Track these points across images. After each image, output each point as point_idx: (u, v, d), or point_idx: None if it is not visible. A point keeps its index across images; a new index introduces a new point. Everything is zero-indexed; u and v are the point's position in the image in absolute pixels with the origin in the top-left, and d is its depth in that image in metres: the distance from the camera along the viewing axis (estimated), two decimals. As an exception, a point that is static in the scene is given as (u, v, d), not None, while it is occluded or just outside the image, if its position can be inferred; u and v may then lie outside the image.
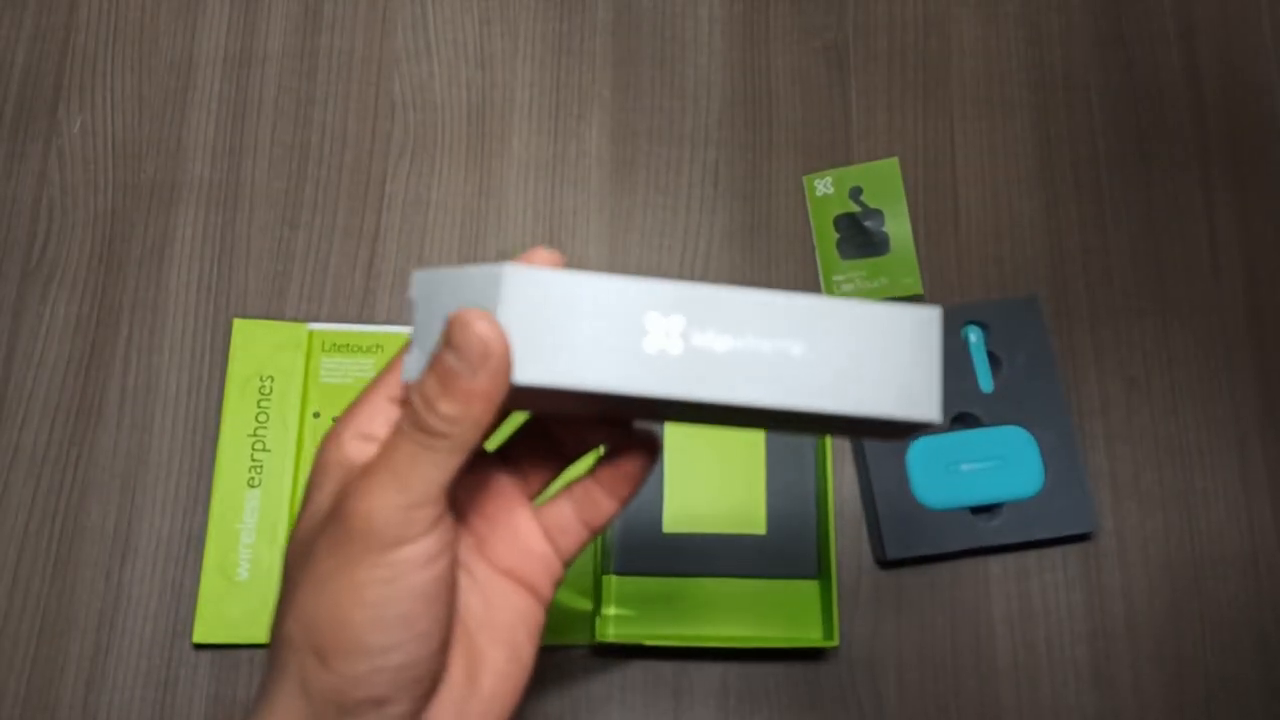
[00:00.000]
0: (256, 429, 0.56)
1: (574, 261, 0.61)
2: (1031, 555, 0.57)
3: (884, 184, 0.62)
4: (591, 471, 0.34)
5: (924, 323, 0.28)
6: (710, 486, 0.56)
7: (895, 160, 0.62)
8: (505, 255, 0.60)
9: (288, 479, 0.55)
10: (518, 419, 0.34)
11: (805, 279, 0.61)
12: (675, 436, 0.56)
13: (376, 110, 0.62)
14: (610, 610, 0.54)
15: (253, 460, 0.55)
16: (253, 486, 0.55)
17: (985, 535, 0.55)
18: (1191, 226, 0.62)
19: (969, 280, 0.61)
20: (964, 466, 0.56)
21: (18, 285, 0.59)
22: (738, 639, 0.53)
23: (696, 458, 0.56)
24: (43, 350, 0.58)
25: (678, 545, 0.55)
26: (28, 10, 0.63)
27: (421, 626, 0.28)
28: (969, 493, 0.55)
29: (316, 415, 0.57)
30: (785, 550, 0.55)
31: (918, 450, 0.56)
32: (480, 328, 0.26)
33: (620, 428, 0.33)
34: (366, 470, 0.28)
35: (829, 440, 0.56)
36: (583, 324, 0.26)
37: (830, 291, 0.60)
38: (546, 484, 0.35)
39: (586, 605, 0.54)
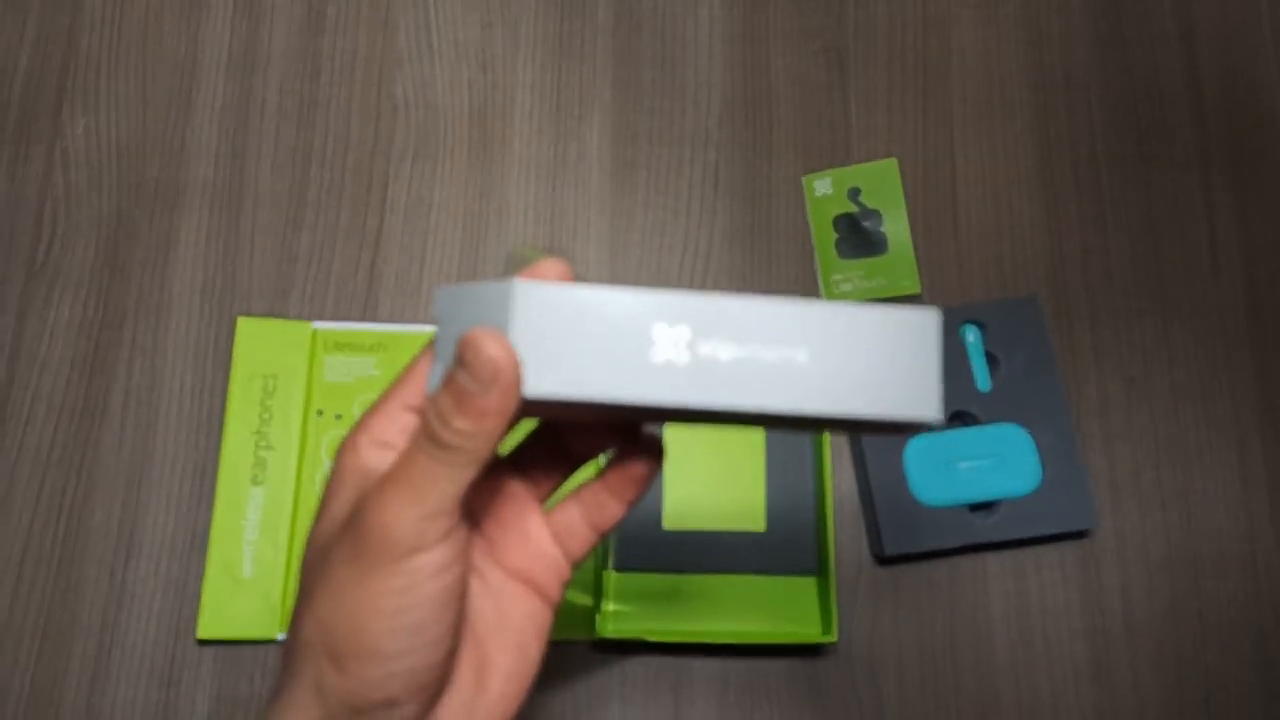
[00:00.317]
0: (260, 427, 0.56)
1: (575, 262, 0.61)
2: (1029, 553, 0.57)
3: (883, 184, 0.62)
4: (599, 476, 0.34)
5: (923, 324, 0.29)
6: (710, 483, 0.56)
7: (894, 161, 0.62)
8: (515, 258, 0.60)
9: (291, 476, 0.55)
10: (528, 425, 0.35)
11: (804, 279, 0.61)
12: (675, 435, 0.57)
13: (379, 112, 0.63)
14: (610, 606, 0.54)
15: (256, 458, 0.56)
16: (256, 484, 0.55)
17: (983, 532, 0.55)
18: (1191, 227, 0.62)
19: (968, 280, 0.61)
20: (962, 464, 0.56)
21: (23, 286, 0.59)
22: (737, 635, 0.53)
23: (696, 455, 0.56)
24: (47, 351, 0.58)
25: (677, 541, 0.55)
26: (31, 13, 0.63)
27: (434, 633, 0.29)
28: (967, 490, 0.55)
29: (320, 413, 0.57)
30: (784, 546, 0.55)
31: (916, 448, 0.56)
32: (490, 349, 0.26)
33: (627, 433, 0.34)
34: (383, 482, 0.29)
35: (828, 438, 0.56)
36: (591, 336, 0.27)
37: (829, 291, 0.60)
38: (555, 488, 0.35)
39: (587, 601, 0.54)
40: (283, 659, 0.30)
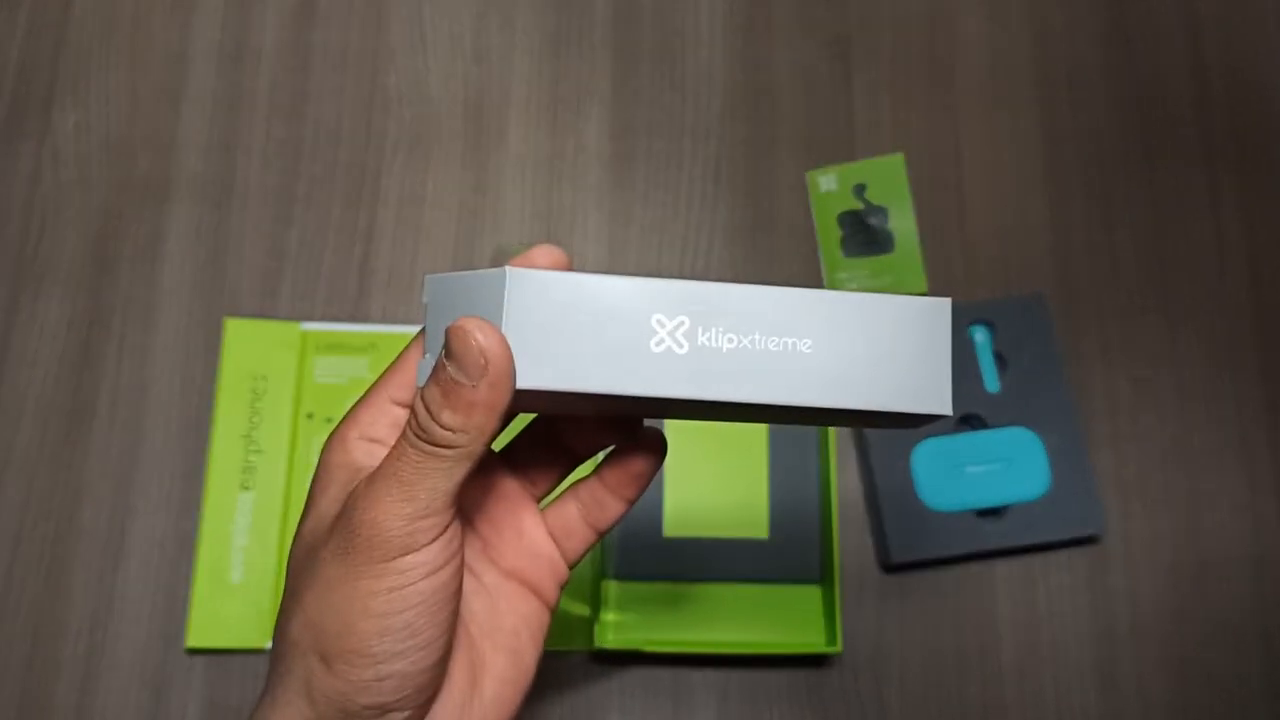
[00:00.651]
0: (249, 430, 0.56)
1: (573, 260, 0.60)
2: (1037, 558, 0.56)
3: (888, 181, 0.61)
4: (597, 472, 0.34)
5: (934, 312, 0.27)
6: (711, 490, 0.56)
7: (900, 157, 0.61)
8: (503, 252, 0.60)
9: (280, 481, 0.55)
10: (523, 420, 0.34)
11: (808, 277, 0.60)
12: (676, 439, 0.56)
13: (371, 105, 0.62)
14: (609, 616, 0.54)
15: (246, 462, 0.55)
16: (245, 489, 0.55)
17: (991, 538, 0.55)
18: (1197, 224, 0.62)
19: (974, 278, 0.60)
20: (969, 468, 0.55)
21: (11, 284, 0.58)
22: (739, 645, 0.53)
23: (697, 460, 0.56)
24: (35, 349, 0.57)
25: (678, 549, 0.55)
26: (22, 7, 0.63)
27: (426, 635, 0.28)
28: (974, 495, 0.55)
29: (310, 416, 0.56)
30: (788, 554, 0.55)
31: (922, 452, 0.55)
32: (478, 337, 0.25)
33: (627, 428, 0.33)
34: (372, 478, 0.28)
35: (832, 443, 0.55)
36: (587, 326, 0.26)
37: (833, 289, 0.59)
38: (553, 486, 0.35)
39: (585, 611, 0.54)
40: (270, 659, 0.30)
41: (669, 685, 0.54)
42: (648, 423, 0.34)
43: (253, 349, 0.57)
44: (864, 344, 0.27)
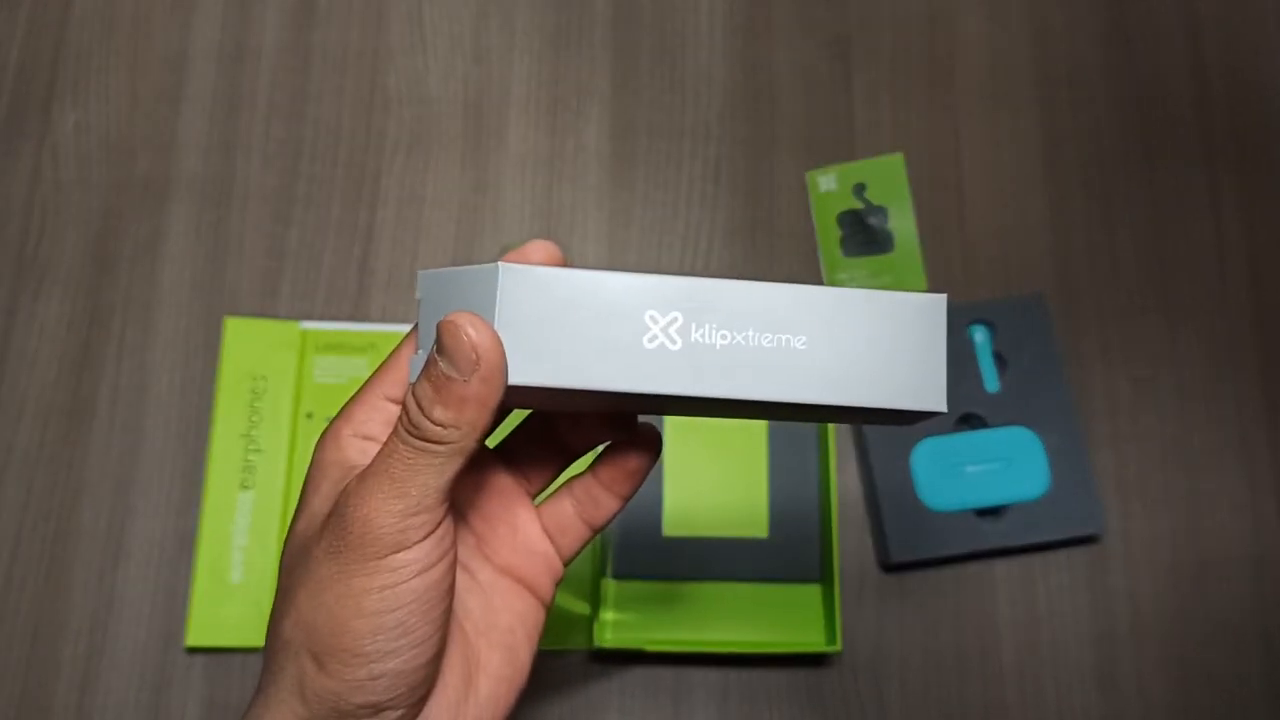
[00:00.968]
0: (249, 430, 0.56)
1: (573, 260, 0.60)
2: (1037, 558, 0.56)
3: (888, 180, 0.61)
4: (592, 469, 0.34)
5: (929, 309, 0.27)
6: (711, 488, 0.55)
7: (900, 156, 0.61)
8: (503, 253, 0.60)
9: (280, 480, 0.55)
10: (517, 416, 0.34)
11: (808, 277, 0.60)
12: (675, 437, 0.56)
13: (371, 105, 0.62)
14: (609, 615, 0.54)
15: (245, 461, 0.55)
16: (245, 488, 0.55)
17: (991, 538, 0.54)
18: (1197, 224, 0.62)
19: (974, 278, 0.60)
20: (969, 468, 0.55)
21: (11, 283, 0.58)
22: (739, 644, 0.53)
23: (697, 459, 0.56)
24: (35, 349, 0.57)
25: (678, 548, 0.55)
26: (22, 7, 0.63)
27: (419, 633, 0.28)
28: (974, 495, 0.55)
29: (309, 416, 0.56)
30: (787, 554, 0.55)
31: (922, 452, 0.55)
32: (470, 332, 0.25)
33: (622, 424, 0.33)
34: (363, 475, 0.28)
35: (832, 442, 0.55)
36: (581, 321, 0.26)
37: (833, 289, 0.59)
38: (548, 482, 0.34)
39: (584, 610, 0.54)
40: (263, 658, 0.30)
41: (669, 685, 0.54)
42: (643, 419, 0.33)
43: (252, 348, 0.57)
44: (858, 340, 0.27)
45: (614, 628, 0.54)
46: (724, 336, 0.26)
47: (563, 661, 0.54)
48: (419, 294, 0.29)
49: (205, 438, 0.56)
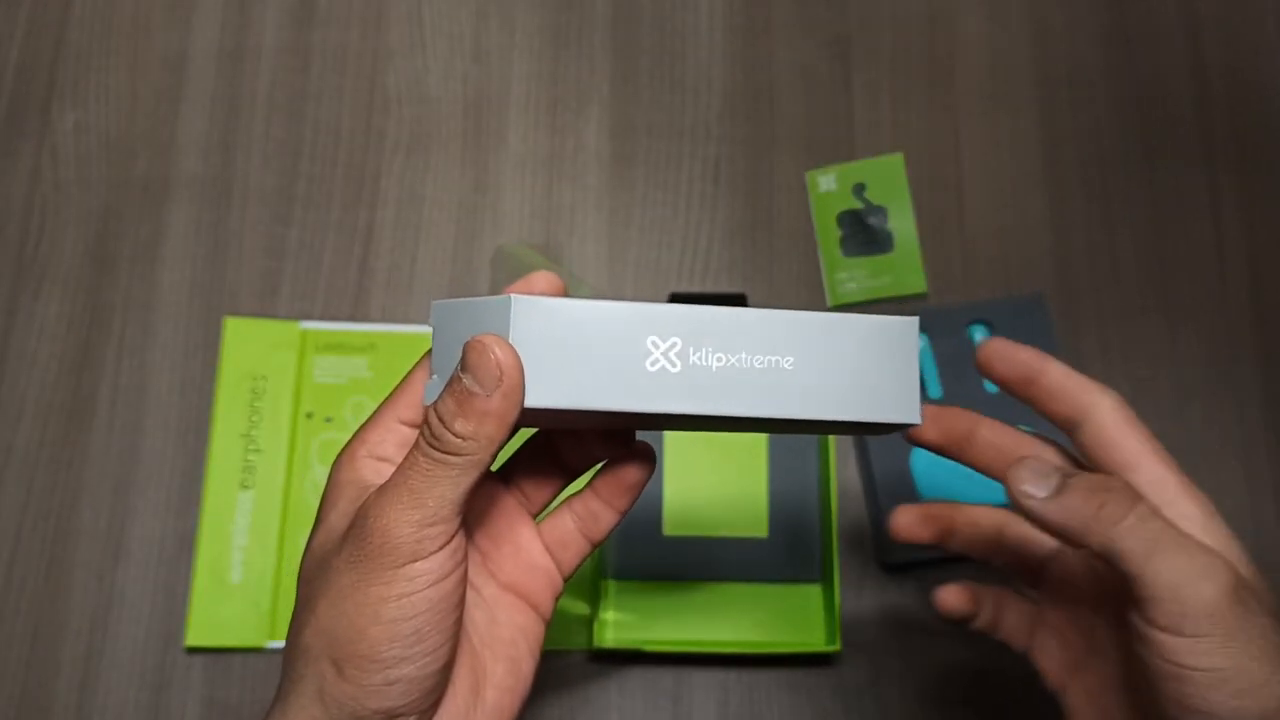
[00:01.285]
0: (248, 430, 0.56)
1: (572, 259, 0.60)
2: (1038, 558, 0.56)
3: (888, 180, 0.61)
4: (590, 485, 0.35)
5: (902, 331, 0.30)
6: (711, 488, 0.55)
7: (900, 156, 0.61)
8: (503, 254, 0.60)
9: (280, 480, 0.55)
10: (519, 440, 0.36)
11: (807, 277, 0.60)
12: (676, 438, 0.56)
13: (371, 105, 0.62)
14: (609, 615, 0.54)
15: (245, 461, 0.55)
16: (245, 488, 0.55)
17: (991, 538, 0.54)
18: (1197, 224, 0.62)
19: (974, 278, 0.60)
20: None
21: (10, 283, 0.59)
22: (739, 644, 0.53)
23: (697, 459, 0.56)
24: (35, 349, 0.57)
25: (677, 548, 0.55)
26: (22, 7, 0.63)
27: (432, 641, 0.29)
28: (974, 494, 0.55)
29: (309, 416, 0.56)
30: (787, 553, 0.55)
31: (922, 452, 0.55)
32: (496, 351, 0.28)
33: (620, 441, 0.35)
34: (383, 489, 0.29)
35: (832, 442, 0.55)
36: (588, 347, 0.29)
37: (833, 290, 0.60)
38: (548, 502, 0.36)
39: (584, 610, 0.54)
40: (282, 666, 0.31)
41: (669, 684, 0.54)
42: (639, 435, 0.35)
43: (252, 348, 0.57)
44: (840, 360, 0.30)
45: (614, 628, 0.54)
46: (719, 359, 0.29)
47: (563, 661, 0.54)
48: (432, 322, 0.31)
49: (205, 438, 0.56)
